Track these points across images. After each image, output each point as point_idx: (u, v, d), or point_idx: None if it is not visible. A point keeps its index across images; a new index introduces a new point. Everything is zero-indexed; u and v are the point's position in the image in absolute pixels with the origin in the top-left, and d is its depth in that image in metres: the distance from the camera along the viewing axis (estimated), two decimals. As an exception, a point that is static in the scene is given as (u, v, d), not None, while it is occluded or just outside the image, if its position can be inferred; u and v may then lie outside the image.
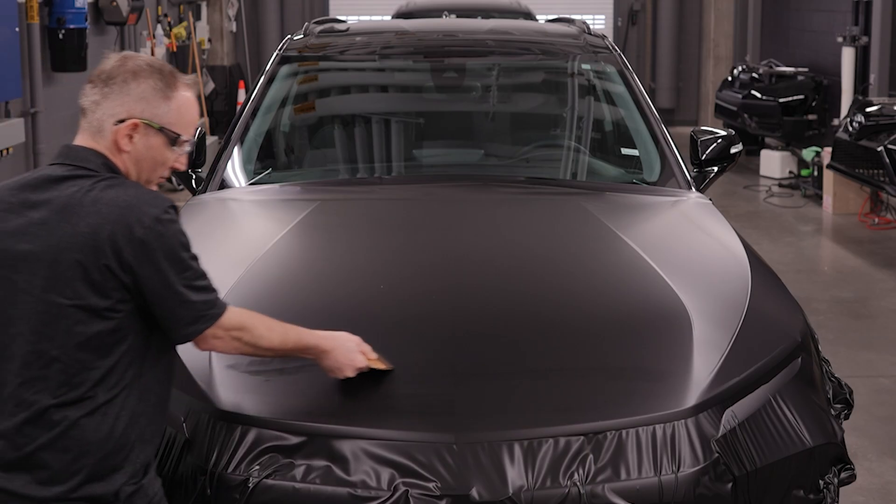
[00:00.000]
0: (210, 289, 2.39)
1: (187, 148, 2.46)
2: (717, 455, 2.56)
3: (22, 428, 2.28)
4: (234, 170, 4.26)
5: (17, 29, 8.42)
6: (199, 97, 13.26)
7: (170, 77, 2.43)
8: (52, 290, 2.28)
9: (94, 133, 2.39)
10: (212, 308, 2.38)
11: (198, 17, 13.97)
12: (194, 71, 13.18)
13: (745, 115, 11.95)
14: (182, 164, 2.48)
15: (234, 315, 2.43)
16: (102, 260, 2.26)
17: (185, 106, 2.43)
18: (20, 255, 2.31)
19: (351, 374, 2.65)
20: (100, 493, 2.30)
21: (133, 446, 2.34)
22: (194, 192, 4.22)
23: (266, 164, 4.46)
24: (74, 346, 2.28)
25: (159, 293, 2.30)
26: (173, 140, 2.42)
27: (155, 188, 2.45)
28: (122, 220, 2.27)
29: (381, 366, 2.70)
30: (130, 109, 2.37)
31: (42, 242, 2.29)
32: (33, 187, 2.36)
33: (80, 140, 2.41)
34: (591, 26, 5.42)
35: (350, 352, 2.64)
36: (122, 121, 2.37)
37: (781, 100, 11.67)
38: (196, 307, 2.34)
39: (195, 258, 2.37)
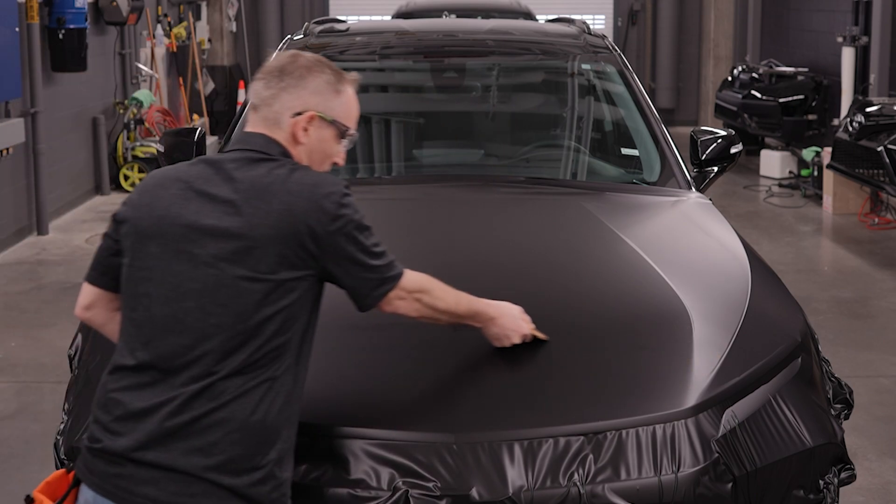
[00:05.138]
0: (387, 254, 2.45)
1: (350, 143, 2.56)
2: (717, 455, 2.55)
3: (191, 402, 2.27)
4: (234, 170, 4.25)
5: (17, 29, 8.42)
6: (199, 97, 13.25)
7: (338, 73, 2.53)
8: (243, 264, 2.31)
9: (271, 126, 2.47)
10: (392, 270, 2.45)
11: (198, 17, 13.97)
12: (194, 71, 13.18)
13: (745, 115, 11.96)
14: (342, 160, 2.58)
15: (413, 277, 2.50)
16: (296, 235, 2.33)
17: (351, 101, 2.54)
18: (206, 230, 2.34)
19: (517, 340, 2.73)
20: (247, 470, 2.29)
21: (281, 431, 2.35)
22: (194, 192, 4.21)
23: (266, 164, 4.45)
24: (259, 321, 2.30)
25: (347, 262, 2.37)
26: (342, 133, 2.52)
27: None
28: (312, 197, 2.35)
29: (541, 336, 2.78)
30: (306, 103, 2.46)
31: (231, 220, 2.33)
32: (216, 168, 2.41)
33: (258, 130, 2.48)
34: (591, 26, 5.42)
35: (516, 319, 2.74)
36: (299, 113, 2.45)
37: (781, 100, 11.67)
38: (379, 270, 2.42)
39: (370, 228, 2.44)
